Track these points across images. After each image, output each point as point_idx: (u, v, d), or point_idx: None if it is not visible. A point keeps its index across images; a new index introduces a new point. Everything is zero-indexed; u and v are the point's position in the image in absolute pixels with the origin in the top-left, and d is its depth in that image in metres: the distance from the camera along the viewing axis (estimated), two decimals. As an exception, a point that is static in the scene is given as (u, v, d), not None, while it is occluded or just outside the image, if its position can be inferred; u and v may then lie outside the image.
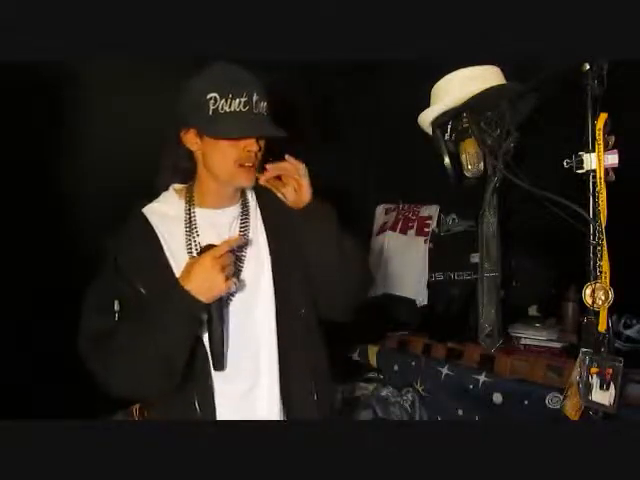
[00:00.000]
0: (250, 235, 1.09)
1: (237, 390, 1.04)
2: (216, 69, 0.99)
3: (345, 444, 0.79)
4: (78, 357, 1.00)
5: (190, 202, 1.07)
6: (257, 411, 1.05)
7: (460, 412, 1.96)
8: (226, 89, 0.96)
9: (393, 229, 2.59)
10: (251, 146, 0.99)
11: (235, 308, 1.04)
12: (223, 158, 1.00)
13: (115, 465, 0.75)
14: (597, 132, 0.92)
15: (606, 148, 0.92)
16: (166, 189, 1.12)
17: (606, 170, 0.93)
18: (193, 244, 1.04)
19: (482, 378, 1.88)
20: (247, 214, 1.11)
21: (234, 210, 1.10)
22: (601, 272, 0.93)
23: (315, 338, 1.14)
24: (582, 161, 0.93)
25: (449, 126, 1.15)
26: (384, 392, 2.18)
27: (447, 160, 1.16)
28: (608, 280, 0.93)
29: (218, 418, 1.01)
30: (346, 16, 0.89)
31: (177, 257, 1.02)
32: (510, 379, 1.84)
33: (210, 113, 0.96)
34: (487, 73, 1.10)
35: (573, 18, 0.85)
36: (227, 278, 0.92)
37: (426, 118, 1.18)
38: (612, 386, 0.91)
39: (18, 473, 0.74)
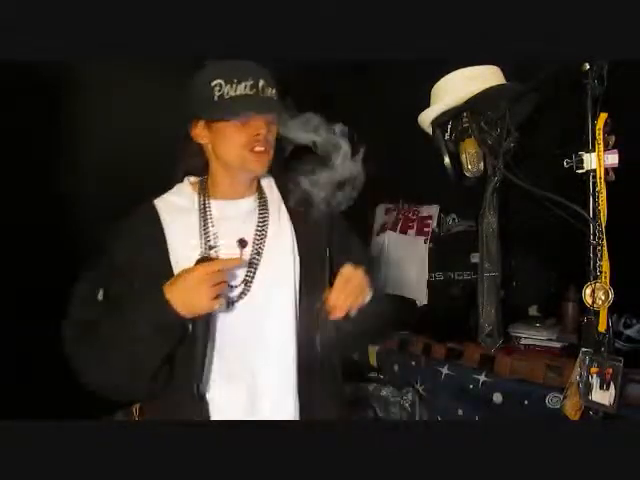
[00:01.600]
0: (270, 228, 1.05)
1: (245, 398, 1.00)
2: (220, 61, 0.98)
3: (345, 444, 0.79)
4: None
5: (204, 194, 1.05)
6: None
7: (460, 412, 1.96)
8: (231, 75, 0.95)
9: (393, 229, 2.59)
10: (260, 129, 0.97)
11: (245, 306, 1.00)
12: (232, 143, 0.98)
13: (115, 465, 0.75)
14: (597, 132, 0.92)
15: (606, 148, 0.92)
16: (181, 181, 1.11)
17: (606, 170, 0.93)
18: (211, 235, 1.01)
19: (482, 378, 1.88)
20: (266, 206, 1.08)
21: (250, 202, 1.08)
22: (601, 272, 0.93)
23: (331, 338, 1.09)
24: (582, 161, 0.93)
25: (449, 126, 1.15)
26: (384, 392, 2.18)
27: (447, 160, 1.16)
28: (608, 280, 0.93)
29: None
30: (346, 16, 0.89)
31: (178, 252, 0.99)
32: (510, 379, 1.84)
33: (216, 99, 0.95)
34: (487, 73, 1.11)
35: (573, 18, 0.85)
36: (215, 297, 0.88)
37: (426, 118, 1.18)
38: (612, 386, 0.91)
39: (18, 473, 0.74)
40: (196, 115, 1.00)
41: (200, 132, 1.01)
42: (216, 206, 1.05)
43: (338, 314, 0.94)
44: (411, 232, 2.51)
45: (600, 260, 0.93)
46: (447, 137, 1.15)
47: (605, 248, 0.93)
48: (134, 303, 0.91)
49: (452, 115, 1.12)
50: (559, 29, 0.86)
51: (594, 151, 0.93)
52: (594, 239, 0.94)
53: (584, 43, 0.86)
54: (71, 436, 0.79)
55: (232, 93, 0.94)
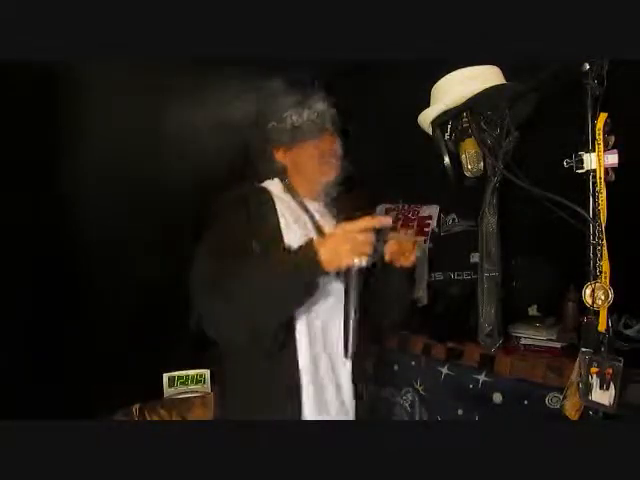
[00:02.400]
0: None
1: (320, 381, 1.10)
2: (290, 92, 1.20)
3: (345, 444, 0.79)
4: (79, 356, 1.00)
5: (293, 191, 1.22)
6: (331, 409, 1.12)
7: (460, 412, 1.96)
8: (298, 105, 1.18)
9: (393, 229, 2.59)
10: (331, 144, 1.21)
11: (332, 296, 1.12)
12: (310, 159, 1.20)
13: (115, 465, 0.75)
14: (597, 132, 0.92)
15: (606, 148, 0.92)
16: (271, 178, 1.25)
17: (606, 170, 0.92)
18: (311, 225, 1.18)
19: (482, 378, 1.89)
20: (328, 209, 1.27)
21: (320, 205, 1.26)
22: (601, 272, 0.93)
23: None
24: (582, 161, 0.93)
25: (449, 126, 1.15)
26: (384, 392, 2.18)
27: (447, 160, 1.16)
28: (608, 280, 0.93)
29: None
30: (346, 16, 0.89)
31: (289, 234, 1.11)
32: (510, 379, 1.84)
33: (289, 128, 1.18)
34: (487, 73, 1.10)
35: (573, 18, 0.85)
36: (356, 254, 0.95)
37: (426, 118, 1.18)
38: (612, 386, 0.91)
39: (18, 473, 0.74)
40: (276, 142, 1.21)
41: (281, 156, 1.23)
42: (307, 202, 1.22)
43: (412, 258, 1.15)
44: (411, 232, 2.51)
45: (600, 260, 0.93)
46: (447, 137, 1.15)
47: (605, 248, 0.93)
48: (281, 256, 0.99)
49: (452, 115, 1.12)
50: (559, 29, 0.86)
51: (594, 151, 0.92)
52: (594, 239, 0.94)
53: (584, 43, 0.86)
54: (71, 436, 0.79)
55: (300, 120, 1.18)
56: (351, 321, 1.00)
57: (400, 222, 2.59)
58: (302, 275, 0.95)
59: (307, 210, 1.21)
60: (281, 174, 1.24)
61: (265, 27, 0.90)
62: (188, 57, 0.93)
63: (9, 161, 1.59)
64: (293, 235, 1.11)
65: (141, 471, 0.75)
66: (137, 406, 1.90)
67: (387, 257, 1.14)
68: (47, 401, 1.51)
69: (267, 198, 1.16)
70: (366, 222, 0.97)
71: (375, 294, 1.18)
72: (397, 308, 1.29)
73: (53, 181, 1.71)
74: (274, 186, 1.23)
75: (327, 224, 1.22)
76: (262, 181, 1.25)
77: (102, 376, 1.73)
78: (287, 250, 1.01)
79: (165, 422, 1.83)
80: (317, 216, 1.23)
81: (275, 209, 1.14)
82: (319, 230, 1.18)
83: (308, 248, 0.95)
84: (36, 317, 1.64)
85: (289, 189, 1.23)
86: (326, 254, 0.94)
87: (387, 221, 1.03)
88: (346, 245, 0.94)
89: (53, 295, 1.69)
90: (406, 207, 2.63)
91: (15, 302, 1.60)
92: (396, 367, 2.22)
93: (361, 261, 0.96)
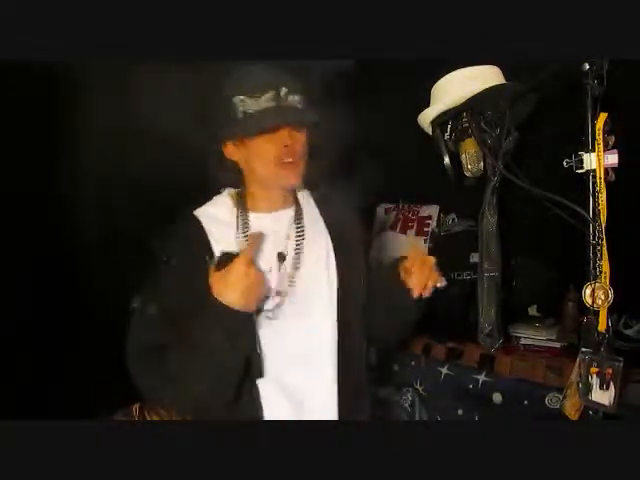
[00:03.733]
0: (307, 241, 1.07)
1: (291, 395, 1.02)
2: (240, 73, 0.98)
3: (345, 444, 0.79)
4: (79, 355, 1.01)
5: (242, 207, 1.05)
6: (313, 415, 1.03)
7: (460, 412, 1.96)
8: (251, 88, 0.95)
9: (393, 229, 2.59)
10: (286, 140, 0.96)
11: (291, 309, 1.01)
12: (262, 158, 0.98)
13: (115, 465, 0.75)
14: (597, 132, 0.92)
15: (606, 148, 0.92)
16: (218, 193, 1.10)
17: (606, 170, 0.92)
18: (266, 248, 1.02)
19: (482, 378, 1.88)
20: (301, 219, 1.08)
21: (287, 214, 1.08)
22: (601, 272, 0.93)
23: (361, 344, 1.13)
24: (582, 161, 0.93)
25: (449, 126, 1.15)
26: (384, 392, 2.18)
27: (447, 160, 1.16)
28: (608, 280, 0.93)
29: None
30: (346, 16, 0.89)
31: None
32: (510, 379, 1.84)
33: (240, 116, 0.95)
34: (487, 73, 1.10)
35: (573, 18, 0.85)
36: (263, 283, 0.90)
37: (426, 118, 1.18)
38: (612, 386, 0.91)
39: (18, 473, 0.74)
40: (226, 134, 1.00)
41: (231, 150, 1.01)
42: (255, 219, 1.04)
43: (425, 292, 1.05)
44: (411, 232, 2.51)
45: (600, 260, 0.93)
46: (447, 137, 1.15)
47: (605, 248, 0.93)
48: (196, 324, 0.88)
49: (452, 115, 1.12)
50: (559, 29, 0.86)
51: (594, 151, 0.92)
52: (594, 239, 0.94)
53: (584, 43, 0.86)
54: (71, 436, 0.79)
55: (255, 107, 0.94)
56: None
57: (400, 222, 2.59)
58: (223, 338, 0.86)
59: (246, 230, 1.02)
60: (234, 177, 1.05)
61: (265, 27, 0.90)
62: (188, 57, 0.93)
63: (9, 161, 1.59)
64: None
65: (141, 471, 0.75)
66: (137, 406, 1.90)
67: (416, 292, 1.04)
68: (47, 401, 1.51)
69: (198, 236, 1.00)
70: (252, 243, 0.91)
71: (373, 307, 1.12)
72: (398, 325, 1.18)
73: (53, 181, 1.71)
74: (218, 205, 1.07)
75: (291, 239, 1.05)
76: (217, 193, 1.10)
77: (102, 376, 1.73)
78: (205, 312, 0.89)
79: (165, 422, 1.83)
80: (280, 234, 1.05)
81: (209, 245, 0.99)
82: (270, 252, 1.02)
83: (213, 306, 0.85)
84: (36, 317, 1.64)
85: (239, 202, 1.05)
86: (239, 299, 0.85)
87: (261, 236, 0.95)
88: (254, 276, 0.86)
89: (53, 295, 1.69)
90: (406, 207, 2.63)
91: (15, 302, 1.60)
92: (396, 367, 2.22)
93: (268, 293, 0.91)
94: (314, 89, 1.03)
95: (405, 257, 1.08)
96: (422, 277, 1.03)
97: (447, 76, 1.14)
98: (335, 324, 1.05)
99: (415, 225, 2.52)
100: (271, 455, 0.77)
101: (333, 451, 0.78)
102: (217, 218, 1.04)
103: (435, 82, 1.17)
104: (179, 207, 1.91)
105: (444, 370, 2.02)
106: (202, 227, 1.02)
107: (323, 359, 1.04)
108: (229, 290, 0.85)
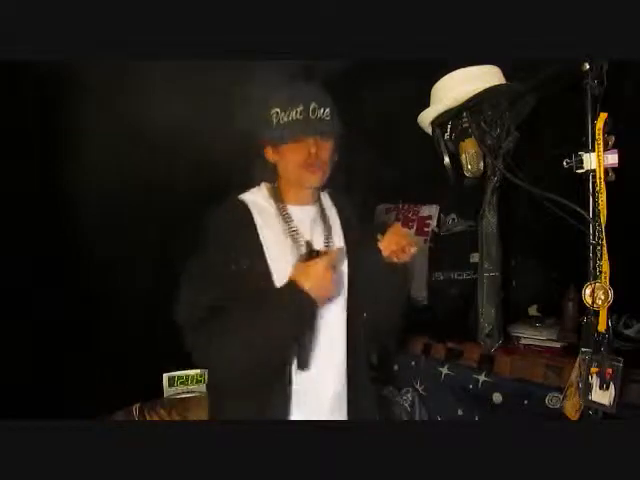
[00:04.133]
0: (333, 235, 1.21)
1: (307, 388, 1.10)
2: (277, 87, 1.15)
3: (345, 444, 0.79)
4: (79, 355, 1.01)
5: (277, 198, 1.19)
6: (324, 410, 1.13)
7: (460, 412, 1.96)
8: (285, 102, 1.10)
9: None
10: (312, 148, 1.10)
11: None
12: (291, 162, 1.13)
13: (115, 465, 0.75)
14: (597, 132, 0.92)
15: (606, 148, 0.92)
16: (257, 185, 1.23)
17: (606, 170, 0.92)
18: (294, 234, 1.14)
19: (482, 378, 1.88)
20: (325, 214, 1.24)
21: (314, 209, 1.22)
22: (601, 272, 0.93)
23: (366, 343, 1.23)
24: (582, 161, 0.93)
25: (449, 126, 1.14)
26: (384, 392, 2.18)
27: (447, 160, 1.16)
28: (608, 280, 0.93)
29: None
30: (346, 15, 0.89)
31: (270, 245, 1.11)
32: (510, 379, 1.84)
33: (274, 126, 1.11)
34: (487, 73, 1.10)
35: (573, 18, 0.85)
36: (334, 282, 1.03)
37: (426, 118, 1.18)
38: (612, 386, 0.91)
39: (18, 473, 0.74)
40: (264, 140, 1.16)
41: (269, 153, 1.18)
42: (291, 210, 1.18)
43: (400, 256, 1.12)
44: (411, 232, 2.51)
45: (600, 260, 0.93)
46: (447, 137, 1.15)
47: (605, 248, 0.93)
48: (269, 299, 1.02)
49: (452, 115, 1.12)
50: (559, 29, 0.86)
51: (594, 151, 0.92)
52: (594, 239, 0.94)
53: (584, 43, 0.86)
54: (71, 436, 0.79)
55: (286, 119, 1.09)
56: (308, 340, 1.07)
57: (400, 222, 2.59)
58: (293, 315, 1.00)
59: (289, 219, 1.16)
60: (271, 174, 1.20)
61: (265, 27, 0.90)
62: (188, 57, 0.93)
63: (9, 161, 1.59)
64: (277, 250, 1.11)
65: (141, 471, 0.75)
66: (137, 406, 1.90)
67: (385, 253, 1.13)
68: (47, 401, 1.51)
69: (245, 216, 1.14)
70: (336, 253, 1.06)
71: (374, 295, 1.18)
72: (397, 309, 1.26)
73: (53, 181, 1.71)
74: (258, 194, 1.21)
75: (315, 232, 1.18)
76: (252, 186, 1.22)
77: (102, 376, 1.73)
78: (276, 289, 1.04)
79: (165, 422, 1.83)
80: (305, 224, 1.18)
81: (254, 226, 1.12)
82: (300, 241, 1.14)
83: (293, 287, 0.99)
84: (36, 317, 1.64)
85: (274, 194, 1.19)
86: (315, 289, 0.99)
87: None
88: (330, 274, 1.01)
89: (53, 295, 1.69)
90: (406, 207, 2.63)
91: (15, 302, 1.60)
92: (396, 367, 2.22)
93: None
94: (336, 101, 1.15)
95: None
96: (391, 239, 1.13)
97: (447, 76, 1.14)
98: (345, 322, 1.16)
99: (415, 225, 2.52)
100: (270, 455, 0.77)
101: (333, 451, 0.78)
102: (257, 203, 1.18)
103: (435, 82, 1.17)
104: (179, 207, 1.92)
105: (444, 370, 2.02)
106: (249, 209, 1.15)
107: (340, 358, 1.15)
108: (307, 279, 0.99)
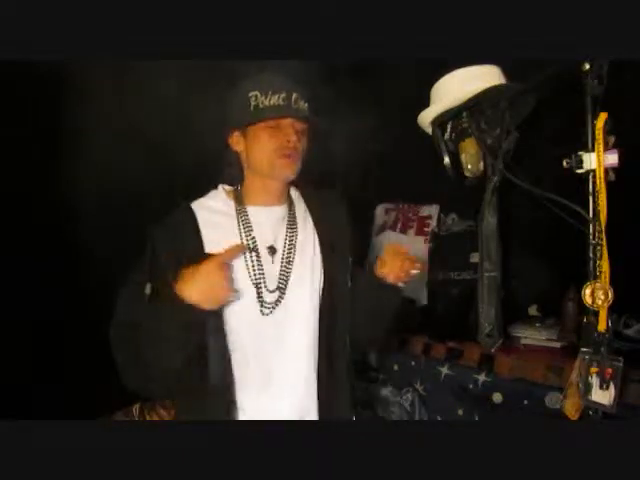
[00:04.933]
0: (298, 238, 1.13)
1: (271, 398, 1.05)
2: (258, 74, 1.08)
3: (345, 444, 0.79)
4: (79, 355, 1.02)
5: (239, 201, 1.11)
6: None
7: (460, 412, 1.96)
8: (266, 87, 1.04)
9: (393, 229, 2.59)
10: (290, 135, 1.04)
11: (278, 312, 1.06)
12: (264, 148, 1.05)
13: (115, 465, 0.75)
14: (597, 132, 0.92)
15: (606, 148, 0.92)
16: (215, 188, 1.16)
17: (606, 170, 0.92)
18: (250, 238, 1.07)
19: (482, 378, 1.89)
20: (294, 215, 1.15)
21: (281, 210, 1.14)
22: (601, 272, 0.93)
23: (345, 346, 1.16)
24: (582, 161, 0.93)
25: (449, 126, 1.14)
26: (384, 392, 2.19)
27: (447, 160, 1.16)
28: (608, 280, 0.93)
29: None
30: (346, 15, 0.89)
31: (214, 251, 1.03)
32: (510, 379, 1.84)
33: (251, 109, 1.03)
34: (487, 73, 1.10)
35: (573, 18, 0.85)
36: (229, 288, 0.93)
37: (426, 118, 1.18)
38: (612, 386, 0.91)
39: (18, 473, 0.74)
40: (233, 125, 1.08)
41: (236, 140, 1.09)
42: (251, 211, 1.10)
43: (398, 279, 1.09)
44: (411, 232, 2.51)
45: (600, 260, 0.93)
46: (447, 137, 1.15)
47: (605, 248, 0.93)
48: (163, 302, 0.94)
49: (452, 115, 1.12)
50: (559, 29, 0.86)
51: (594, 151, 0.92)
52: (594, 239, 0.94)
53: (584, 43, 0.86)
54: (71, 436, 0.79)
55: (266, 103, 1.03)
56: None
57: (400, 222, 2.59)
58: (180, 317, 0.91)
59: (248, 224, 1.08)
60: (234, 173, 1.11)
61: (265, 27, 0.90)
62: (188, 57, 0.93)
63: (9, 161, 1.59)
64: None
65: (141, 471, 0.75)
66: (137, 406, 1.90)
67: (389, 279, 1.10)
68: (47, 401, 1.51)
69: (188, 225, 1.06)
70: (232, 251, 0.96)
71: (355, 308, 1.13)
72: (379, 323, 1.19)
73: (53, 181, 1.71)
74: (215, 198, 1.13)
75: (281, 234, 1.11)
76: (217, 187, 1.15)
77: (102, 376, 1.73)
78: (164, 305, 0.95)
79: (165, 422, 1.83)
80: (268, 227, 1.10)
81: (199, 234, 1.05)
82: (261, 245, 1.07)
83: (173, 297, 0.90)
84: (36, 317, 1.64)
85: (236, 197, 1.11)
86: (202, 295, 0.89)
87: (243, 249, 1.03)
88: (221, 278, 0.91)
89: (53, 295, 1.69)
90: (406, 207, 2.63)
91: (15, 302, 1.60)
92: (396, 367, 2.22)
93: (234, 294, 0.96)
94: (322, 97, 1.12)
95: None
96: (394, 263, 1.10)
97: (447, 76, 1.14)
98: (317, 322, 1.10)
99: (415, 225, 2.52)
100: (270, 455, 0.77)
101: (333, 451, 0.78)
102: (212, 209, 1.10)
103: (435, 82, 1.17)
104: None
105: (444, 370, 2.02)
106: (194, 217, 1.07)
107: (306, 354, 1.08)
108: (188, 287, 0.90)
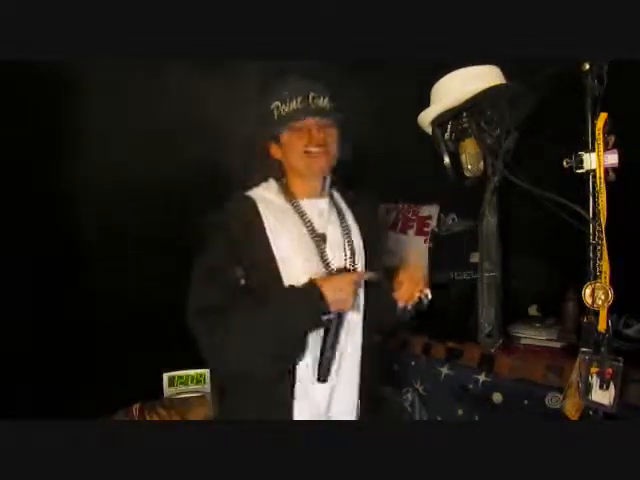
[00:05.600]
0: (346, 228, 1.20)
1: (318, 394, 1.10)
2: (278, 83, 1.16)
3: (345, 444, 0.79)
4: (79, 355, 1.02)
5: (287, 193, 1.18)
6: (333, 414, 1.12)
7: (460, 412, 1.96)
8: (285, 95, 1.12)
9: (393, 229, 2.58)
10: (312, 130, 1.11)
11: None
12: (296, 152, 1.13)
13: (115, 465, 0.75)
14: (597, 132, 0.92)
15: (606, 148, 0.92)
16: (265, 180, 1.22)
17: (606, 170, 0.92)
18: (309, 229, 1.14)
19: (482, 378, 1.88)
20: (339, 207, 1.23)
21: (325, 202, 1.21)
22: (601, 272, 0.93)
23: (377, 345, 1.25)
24: (582, 161, 0.93)
25: (449, 126, 1.14)
26: (384, 392, 2.18)
27: (447, 160, 1.16)
28: (608, 280, 0.93)
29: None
30: (346, 15, 0.89)
31: (278, 241, 1.10)
32: (510, 379, 1.83)
33: (276, 118, 1.13)
34: (487, 73, 1.10)
35: (573, 18, 0.85)
36: (353, 301, 1.05)
37: (426, 118, 1.18)
38: (612, 386, 0.91)
39: (18, 473, 0.74)
40: (267, 139, 1.18)
41: (274, 150, 1.18)
42: (302, 203, 1.17)
43: (407, 303, 1.15)
44: (411, 232, 2.51)
45: (600, 260, 0.93)
46: (447, 137, 1.15)
47: (605, 248, 0.93)
48: (284, 296, 1.04)
49: (452, 115, 1.12)
50: (559, 29, 0.86)
51: (594, 151, 0.92)
52: (594, 239, 0.94)
53: (584, 43, 0.86)
54: (71, 436, 0.79)
55: (286, 109, 1.12)
56: (329, 352, 1.06)
57: (400, 222, 2.59)
58: (309, 318, 1.01)
59: (302, 213, 1.15)
60: (277, 172, 1.20)
61: (265, 27, 0.90)
62: (188, 57, 0.93)
63: (9, 161, 1.59)
64: (285, 244, 1.10)
65: (141, 471, 0.75)
66: (137, 406, 1.90)
67: (401, 303, 1.15)
68: (47, 401, 1.51)
69: (251, 212, 1.12)
70: (364, 275, 1.11)
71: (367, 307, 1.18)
72: (386, 322, 1.28)
73: (53, 181, 1.71)
74: (267, 189, 1.20)
75: (330, 224, 1.18)
76: (258, 184, 1.21)
77: (102, 376, 1.73)
78: (287, 287, 1.05)
79: (165, 422, 1.83)
80: (316, 217, 1.17)
81: (261, 221, 1.11)
82: (313, 233, 1.14)
83: (314, 290, 1.00)
84: (36, 317, 1.64)
85: (284, 190, 1.18)
86: (333, 296, 1.00)
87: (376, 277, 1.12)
88: (352, 289, 1.03)
89: (53, 295, 1.69)
90: (406, 207, 2.63)
91: (15, 302, 1.60)
92: (396, 367, 2.22)
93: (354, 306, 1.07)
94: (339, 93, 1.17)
95: (398, 268, 1.18)
96: (409, 291, 1.14)
97: (447, 76, 1.14)
98: (362, 320, 1.17)
99: (415, 225, 2.52)
100: (271, 455, 0.77)
101: (333, 451, 0.78)
102: (266, 199, 1.17)
103: (435, 82, 1.17)
104: (180, 207, 1.92)
105: (444, 370, 2.02)
106: (256, 205, 1.14)
107: (354, 344, 1.15)
108: (329, 285, 1.01)
